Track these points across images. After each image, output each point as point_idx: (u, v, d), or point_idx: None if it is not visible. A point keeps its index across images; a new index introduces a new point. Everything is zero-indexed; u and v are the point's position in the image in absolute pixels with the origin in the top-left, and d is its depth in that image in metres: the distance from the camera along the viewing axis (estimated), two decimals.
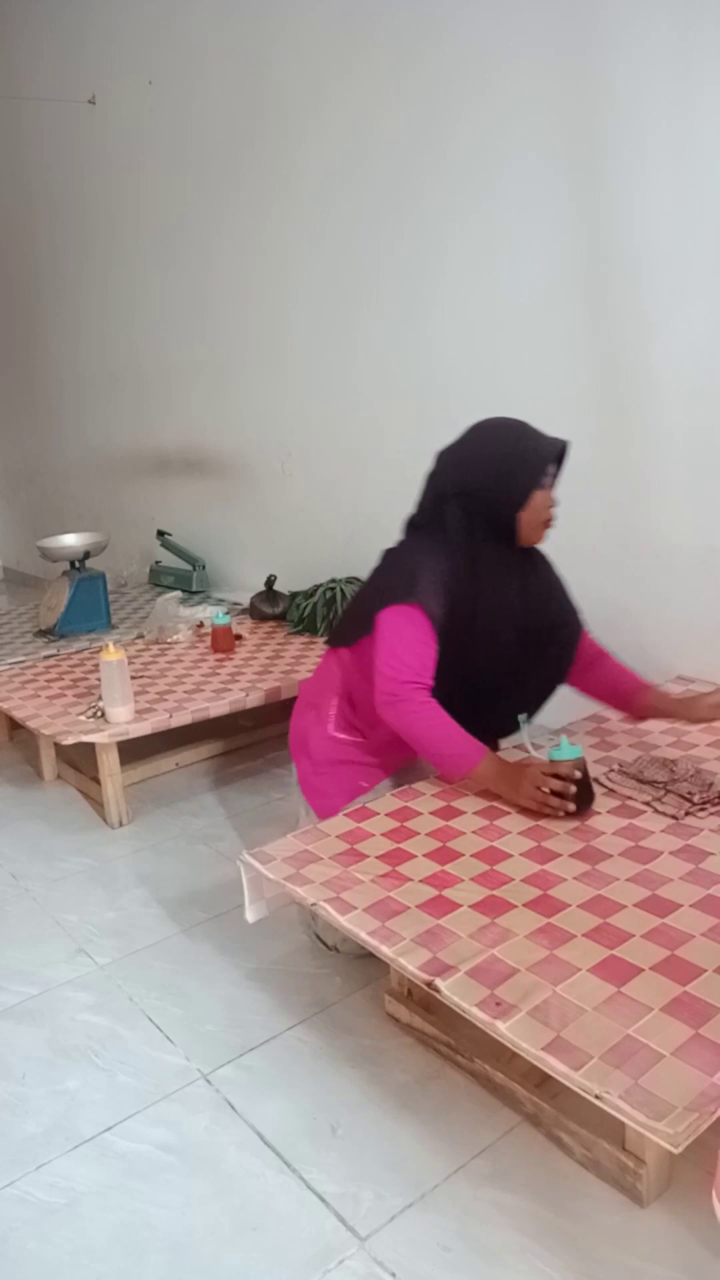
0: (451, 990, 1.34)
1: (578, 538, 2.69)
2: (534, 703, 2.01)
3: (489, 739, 1.95)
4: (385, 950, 1.44)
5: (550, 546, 2.88)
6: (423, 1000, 1.70)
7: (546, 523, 1.92)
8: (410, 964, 1.40)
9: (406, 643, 1.84)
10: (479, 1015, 1.29)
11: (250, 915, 1.73)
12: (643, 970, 1.35)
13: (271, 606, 3.50)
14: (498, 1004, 1.30)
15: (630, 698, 2.07)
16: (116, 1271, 1.31)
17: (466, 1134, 1.49)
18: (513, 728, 1.96)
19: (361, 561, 3.38)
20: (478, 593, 1.88)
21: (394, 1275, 1.28)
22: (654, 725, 2.19)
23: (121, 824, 2.63)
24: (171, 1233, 1.36)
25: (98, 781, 2.63)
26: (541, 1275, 1.26)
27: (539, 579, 2.01)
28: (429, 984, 1.36)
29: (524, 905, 1.53)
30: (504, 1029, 1.26)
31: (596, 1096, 1.14)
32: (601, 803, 1.83)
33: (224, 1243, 1.34)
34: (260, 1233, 1.35)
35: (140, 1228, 1.38)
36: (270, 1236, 1.35)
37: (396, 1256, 1.30)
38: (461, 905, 1.53)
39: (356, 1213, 1.37)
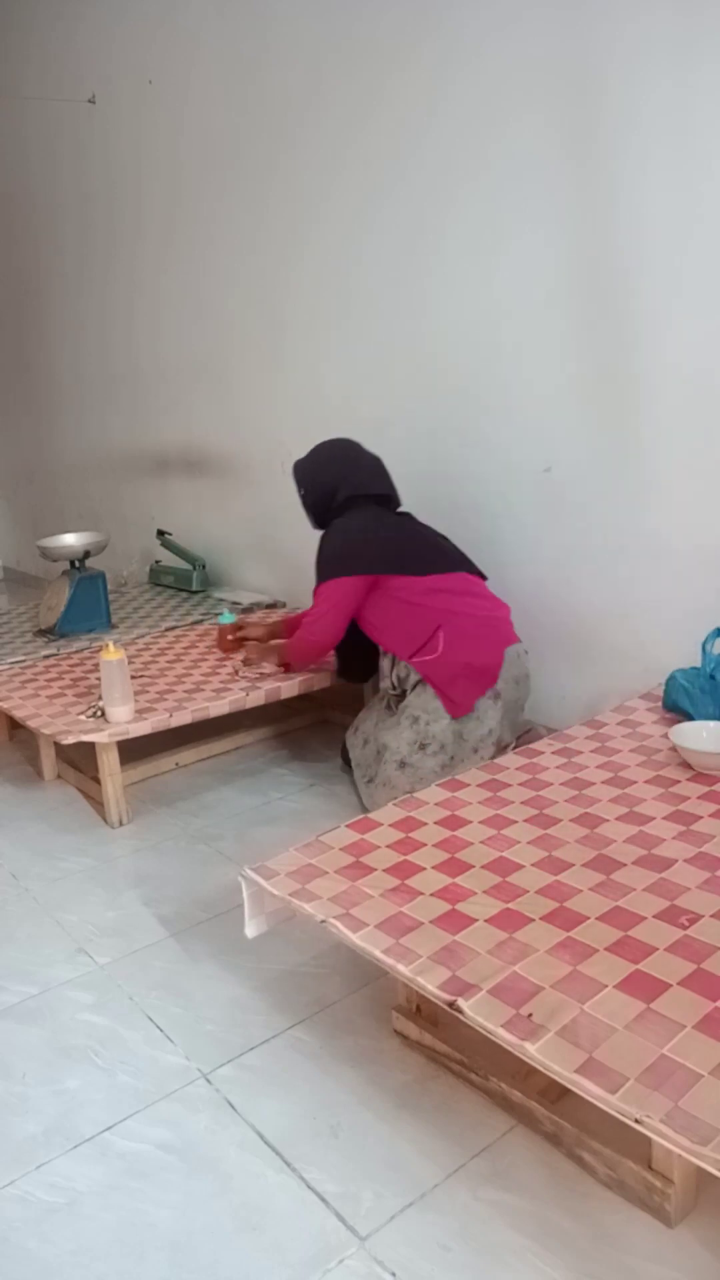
0: (475, 1010, 1.29)
1: (577, 538, 2.69)
2: None
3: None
4: (402, 969, 1.39)
5: (551, 546, 2.89)
6: (431, 1016, 1.65)
7: None
8: (429, 983, 1.35)
9: None
10: (506, 1037, 1.24)
11: (250, 930, 1.71)
12: (670, 986, 1.32)
13: None
14: (525, 1024, 1.25)
15: None
16: (116, 1271, 1.32)
17: (466, 1134, 1.49)
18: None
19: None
20: None
21: (394, 1275, 1.28)
22: (653, 730, 2.20)
23: (121, 824, 2.63)
24: (171, 1232, 1.37)
25: (98, 781, 2.63)
26: (541, 1275, 1.26)
27: None
28: (451, 1004, 1.31)
29: (541, 919, 1.49)
30: (533, 1051, 1.21)
31: (636, 1121, 1.10)
32: (609, 809, 1.83)
33: (224, 1242, 1.34)
34: (260, 1232, 1.35)
35: (140, 1227, 1.38)
36: (270, 1236, 1.35)
37: (396, 1256, 1.30)
38: (477, 920, 1.49)
39: (356, 1212, 1.37)
